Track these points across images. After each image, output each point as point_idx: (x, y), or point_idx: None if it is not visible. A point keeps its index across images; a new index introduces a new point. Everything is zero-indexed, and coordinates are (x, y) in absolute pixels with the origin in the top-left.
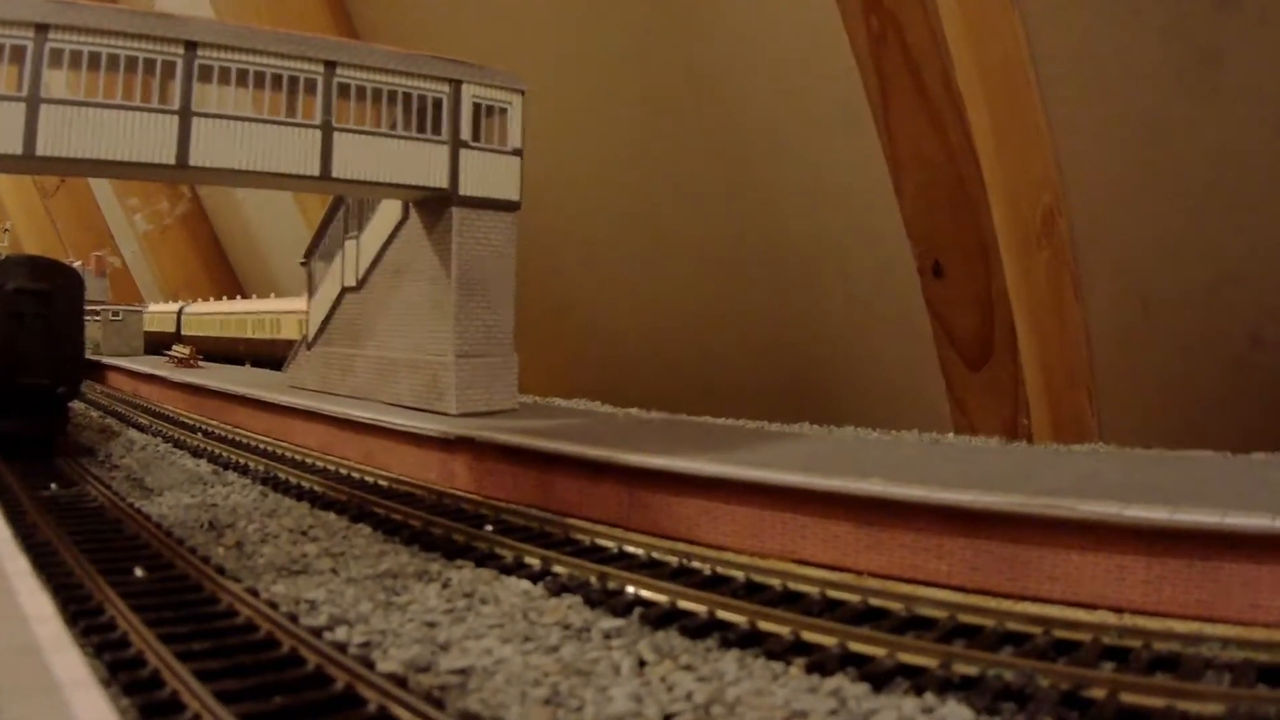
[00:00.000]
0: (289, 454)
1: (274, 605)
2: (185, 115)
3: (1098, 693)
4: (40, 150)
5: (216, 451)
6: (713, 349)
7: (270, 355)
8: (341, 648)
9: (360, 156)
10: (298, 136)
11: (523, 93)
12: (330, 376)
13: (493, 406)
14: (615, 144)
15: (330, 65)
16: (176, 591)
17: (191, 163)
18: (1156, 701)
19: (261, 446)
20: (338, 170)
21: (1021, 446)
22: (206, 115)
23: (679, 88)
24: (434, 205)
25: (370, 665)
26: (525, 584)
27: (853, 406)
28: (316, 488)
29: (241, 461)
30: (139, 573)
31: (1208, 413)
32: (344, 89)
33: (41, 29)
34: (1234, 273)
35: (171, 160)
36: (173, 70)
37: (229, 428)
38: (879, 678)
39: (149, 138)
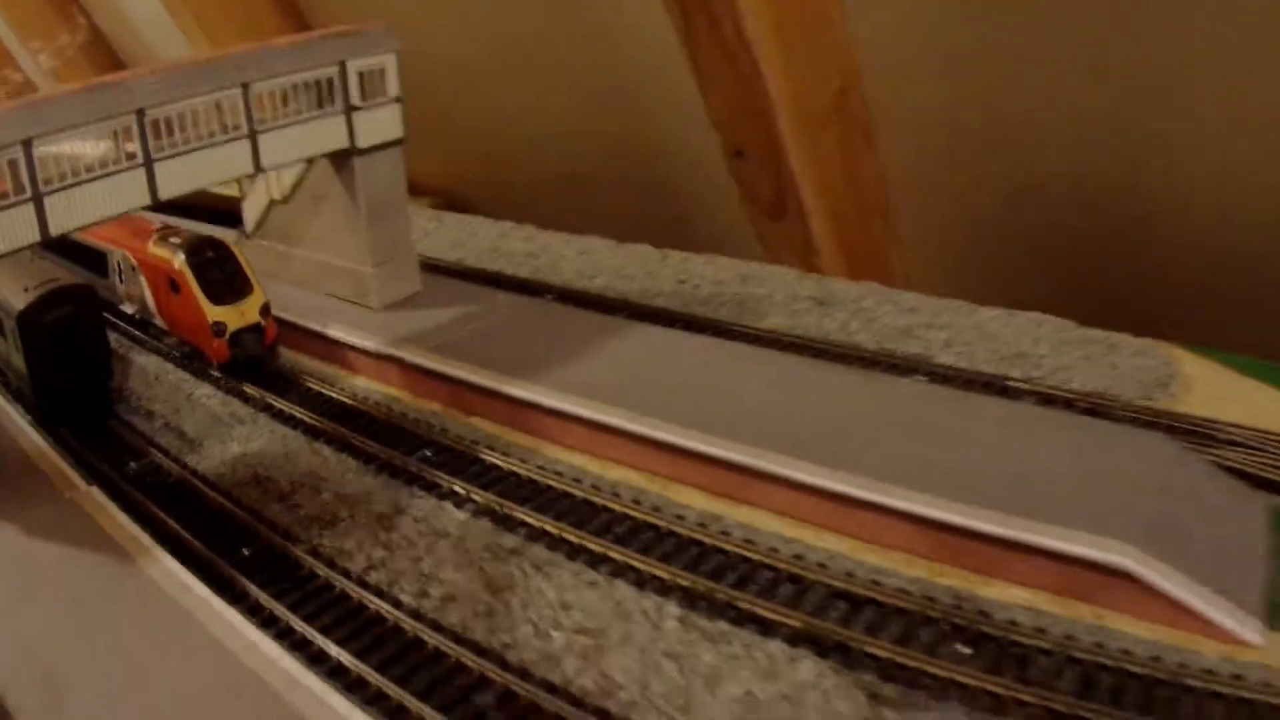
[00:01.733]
0: None
1: None
2: (149, 164)
3: None
4: None
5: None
6: (578, 171)
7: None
8: None
9: (280, 145)
10: (235, 147)
11: (397, 51)
12: (270, 267)
13: (403, 294)
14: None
15: (245, 86)
16: None
17: (161, 196)
18: None
19: None
20: (266, 162)
21: None
22: (169, 157)
23: None
24: (340, 157)
25: None
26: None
27: (694, 232)
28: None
29: None
30: None
31: (991, 260)
32: (259, 98)
33: None
34: (1008, 139)
35: (147, 199)
36: (129, 131)
37: None
38: None
39: (126, 185)
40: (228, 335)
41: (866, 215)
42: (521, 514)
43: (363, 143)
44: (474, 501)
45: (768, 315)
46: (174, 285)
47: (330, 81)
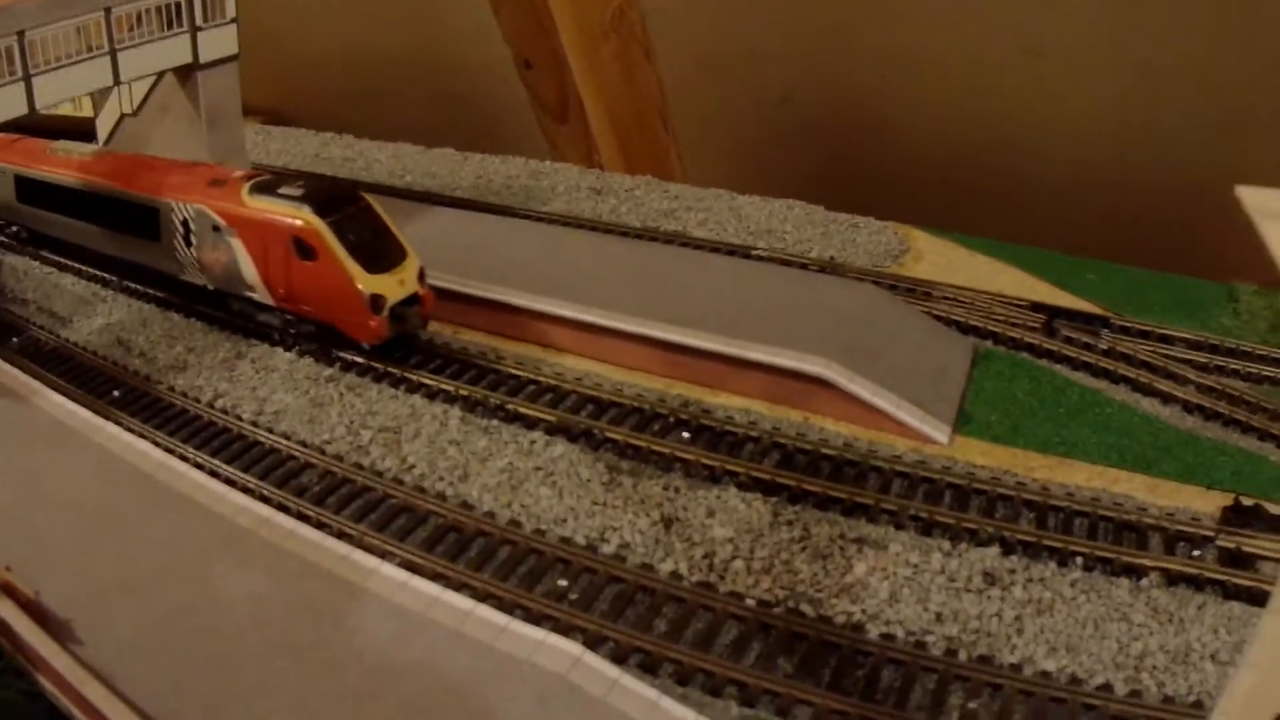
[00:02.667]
0: None
1: None
2: (28, 79)
3: None
4: None
5: None
6: (389, 86)
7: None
8: None
9: (136, 60)
10: (98, 63)
11: None
12: None
13: None
14: None
15: (108, 10)
16: None
17: (37, 106)
18: None
19: None
20: (124, 75)
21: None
22: (44, 73)
23: None
24: (185, 71)
25: None
26: None
27: (494, 137)
28: None
29: None
30: None
31: (757, 157)
32: (118, 20)
33: None
34: (766, 54)
35: (24, 109)
36: (12, 51)
37: None
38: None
39: (5, 97)
40: (387, 310)
41: (643, 119)
42: (338, 352)
43: (205, 58)
44: (300, 346)
45: (550, 202)
46: (303, 250)
47: (178, 5)
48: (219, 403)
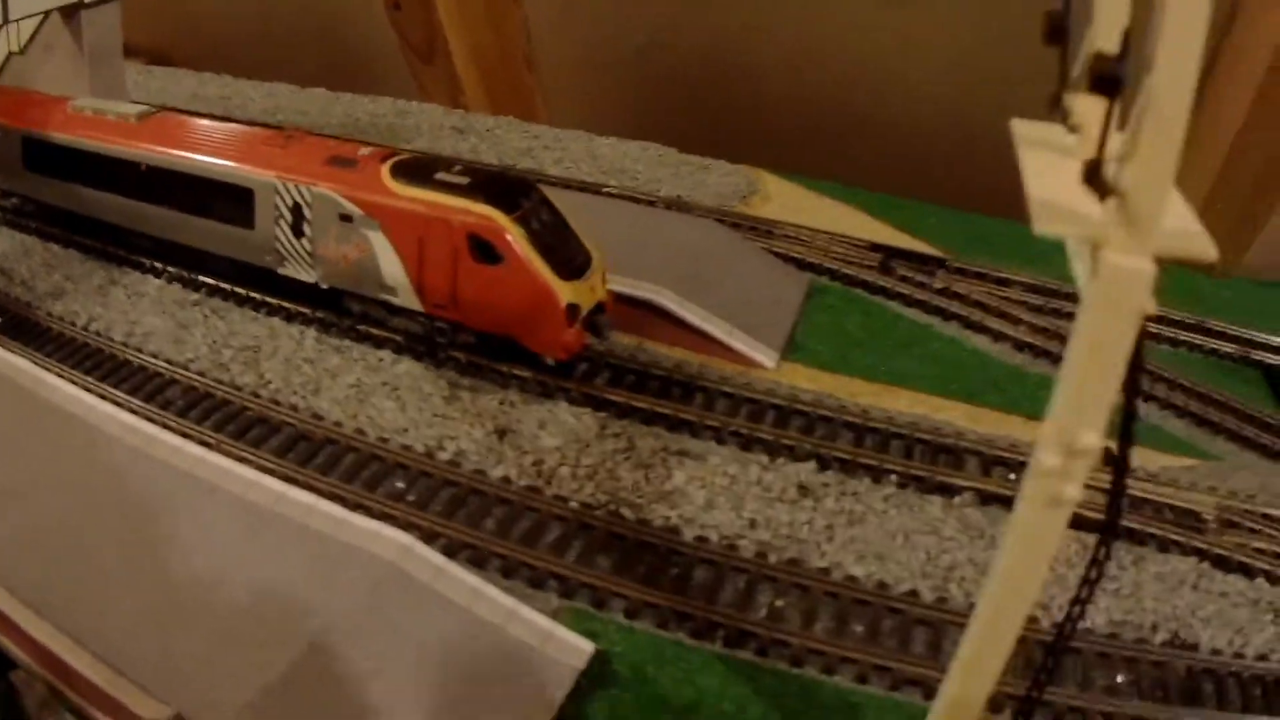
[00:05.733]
0: None
1: None
2: None
3: None
4: None
5: None
6: (266, 28)
7: None
8: None
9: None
10: None
11: None
12: None
13: None
14: None
15: None
16: None
17: None
18: None
19: None
20: (13, 14)
21: None
22: None
23: None
24: (70, 10)
25: None
26: None
27: (367, 77)
28: None
29: None
30: None
31: (619, 101)
32: None
33: None
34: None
35: None
36: None
37: None
38: None
39: None
40: (580, 320)
41: (509, 61)
42: (202, 278)
43: None
44: (169, 272)
45: (413, 140)
46: (483, 252)
47: None
48: (92, 326)
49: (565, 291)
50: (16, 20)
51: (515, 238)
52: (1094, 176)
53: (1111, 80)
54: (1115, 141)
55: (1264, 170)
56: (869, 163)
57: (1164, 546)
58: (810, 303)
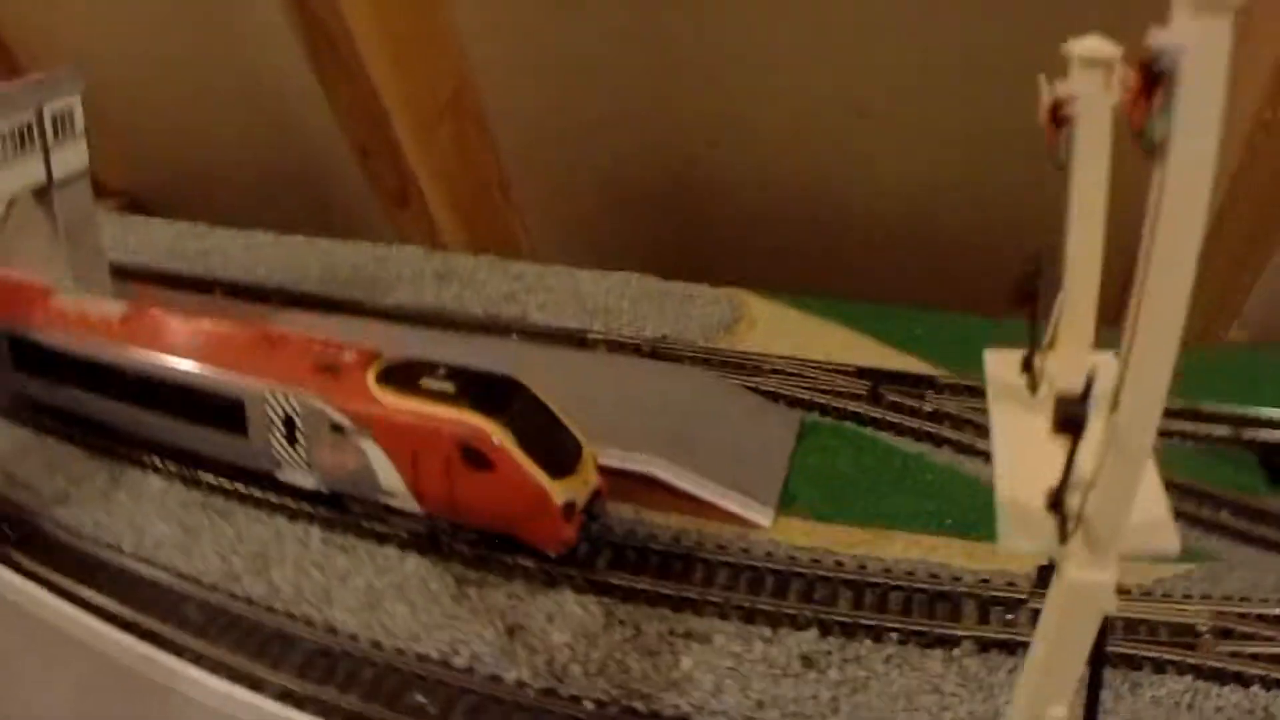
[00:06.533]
0: None
1: None
2: None
3: None
4: None
5: None
6: (239, 175)
7: None
8: None
9: None
10: None
11: (82, 90)
12: None
13: None
14: None
15: None
16: None
17: None
18: None
19: None
20: None
21: None
22: None
23: None
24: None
25: None
26: None
27: (343, 219)
28: None
29: None
30: None
31: (596, 226)
32: None
33: None
34: (600, 125)
35: None
36: None
37: None
38: None
39: None
40: (577, 513)
41: (484, 196)
42: (205, 476)
43: (58, 176)
44: (169, 470)
45: (395, 291)
46: (475, 459)
47: (30, 127)
48: (101, 536)
49: (559, 491)
50: None
51: (506, 443)
52: (1057, 504)
53: (1076, 423)
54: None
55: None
56: (852, 271)
57: (1160, 668)
58: (801, 444)
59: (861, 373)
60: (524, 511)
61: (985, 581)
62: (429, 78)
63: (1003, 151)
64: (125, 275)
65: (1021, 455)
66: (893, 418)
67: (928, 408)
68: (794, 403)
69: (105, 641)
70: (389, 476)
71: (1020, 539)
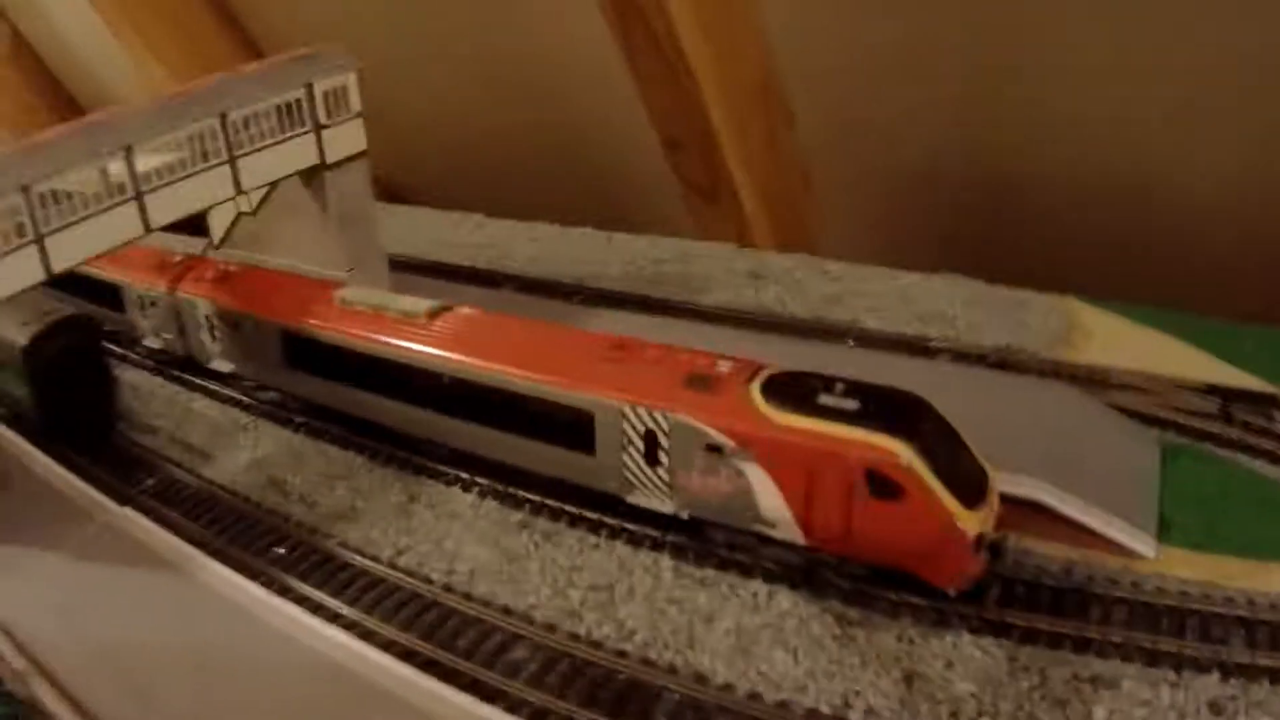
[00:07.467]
0: None
1: None
2: (139, 197)
3: None
4: None
5: None
6: (520, 162)
7: None
8: None
9: (257, 167)
10: (216, 174)
11: (358, 69)
12: None
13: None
14: None
15: (223, 115)
16: None
17: (152, 226)
18: None
19: None
20: (245, 184)
21: None
22: (156, 189)
23: None
24: (310, 172)
25: None
26: None
27: (631, 212)
28: None
29: None
30: None
31: (904, 223)
32: (235, 124)
33: None
34: (911, 122)
35: (140, 230)
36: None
37: None
38: None
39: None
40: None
41: (791, 191)
42: (524, 493)
43: (331, 158)
44: (480, 484)
45: (709, 291)
46: (883, 487)
47: (299, 103)
48: (401, 560)
49: (971, 522)
50: (248, 192)
51: (919, 471)
52: None
53: None
54: None
55: None
56: (1177, 279)
57: None
58: (1165, 467)
59: (1210, 390)
60: (932, 545)
61: None
62: (743, 71)
63: None
64: (401, 268)
65: None
66: (1249, 439)
67: (1278, 429)
68: (1149, 421)
69: (422, 694)
70: (772, 503)
71: None
